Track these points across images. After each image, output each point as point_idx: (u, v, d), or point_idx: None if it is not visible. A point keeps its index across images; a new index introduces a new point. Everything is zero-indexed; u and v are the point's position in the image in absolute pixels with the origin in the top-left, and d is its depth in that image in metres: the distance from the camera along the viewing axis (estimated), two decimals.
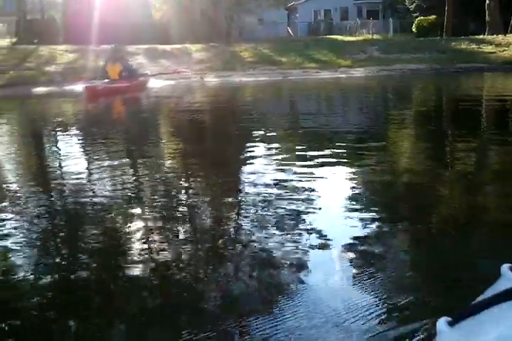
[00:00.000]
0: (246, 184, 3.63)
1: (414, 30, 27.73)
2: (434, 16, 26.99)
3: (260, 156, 4.59)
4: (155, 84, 15.10)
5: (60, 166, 4.60)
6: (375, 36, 27.99)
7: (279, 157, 4.51)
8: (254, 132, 6.11)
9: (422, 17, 27.94)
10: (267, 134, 5.96)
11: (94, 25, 29.87)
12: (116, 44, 14.06)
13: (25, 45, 27.51)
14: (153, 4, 34.35)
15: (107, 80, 12.94)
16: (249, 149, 5.00)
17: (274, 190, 3.35)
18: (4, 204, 3.24)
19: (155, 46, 23.18)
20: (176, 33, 30.75)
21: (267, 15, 37.28)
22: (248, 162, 4.46)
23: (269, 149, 4.91)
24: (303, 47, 22.79)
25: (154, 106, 10.99)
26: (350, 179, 3.84)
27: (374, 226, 2.84)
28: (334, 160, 4.35)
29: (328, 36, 29.84)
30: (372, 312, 1.92)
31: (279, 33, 34.38)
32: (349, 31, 31.53)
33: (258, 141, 5.43)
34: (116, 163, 4.42)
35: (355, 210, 3.06)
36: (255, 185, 3.55)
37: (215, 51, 23.24)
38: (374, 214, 3.05)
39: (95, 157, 4.97)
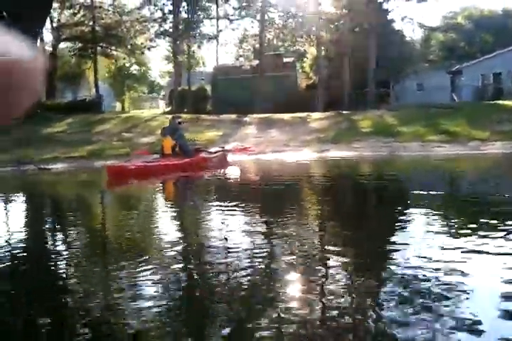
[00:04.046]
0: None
1: None
2: None
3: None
4: (236, 159, 13.63)
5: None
6: None
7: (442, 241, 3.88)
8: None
9: None
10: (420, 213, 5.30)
11: (234, 95, 30.38)
12: (175, 114, 13.03)
13: (176, 113, 28.81)
14: (302, 72, 34.05)
15: (156, 156, 11.82)
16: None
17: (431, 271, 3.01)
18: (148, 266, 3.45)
19: (271, 115, 22.12)
20: (321, 100, 29.68)
21: (428, 79, 34.41)
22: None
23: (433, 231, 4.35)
24: (436, 116, 19.51)
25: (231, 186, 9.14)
26: None
27: None
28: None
29: (494, 101, 25.69)
30: None
31: (441, 98, 31.08)
32: None
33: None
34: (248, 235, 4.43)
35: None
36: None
37: (335, 120, 21.27)
38: None
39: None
